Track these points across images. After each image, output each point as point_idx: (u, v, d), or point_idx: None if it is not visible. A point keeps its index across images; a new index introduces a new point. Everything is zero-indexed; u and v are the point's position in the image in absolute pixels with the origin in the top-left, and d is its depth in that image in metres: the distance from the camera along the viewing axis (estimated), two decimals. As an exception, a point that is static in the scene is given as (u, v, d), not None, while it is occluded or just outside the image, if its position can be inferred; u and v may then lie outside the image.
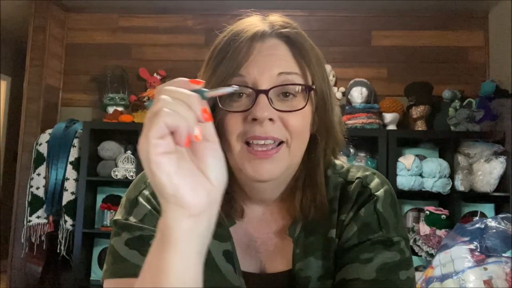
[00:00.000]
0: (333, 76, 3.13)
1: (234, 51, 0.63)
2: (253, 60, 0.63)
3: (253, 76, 0.62)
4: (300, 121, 0.64)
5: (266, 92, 0.62)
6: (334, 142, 0.70)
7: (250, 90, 0.62)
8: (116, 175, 2.82)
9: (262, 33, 0.65)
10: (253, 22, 0.67)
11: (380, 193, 0.69)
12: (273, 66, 0.63)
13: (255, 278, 0.71)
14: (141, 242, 0.65)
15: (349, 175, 0.73)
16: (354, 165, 0.76)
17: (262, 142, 0.62)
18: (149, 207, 0.68)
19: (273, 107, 0.62)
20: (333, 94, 0.70)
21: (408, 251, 0.66)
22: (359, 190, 0.70)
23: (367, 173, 0.72)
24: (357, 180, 0.71)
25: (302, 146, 0.66)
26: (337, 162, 0.75)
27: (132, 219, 0.67)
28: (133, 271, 0.62)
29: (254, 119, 0.61)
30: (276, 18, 0.68)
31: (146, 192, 0.70)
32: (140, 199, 0.69)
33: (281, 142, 0.63)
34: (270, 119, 0.61)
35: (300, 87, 0.64)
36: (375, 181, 0.71)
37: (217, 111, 0.64)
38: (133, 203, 0.69)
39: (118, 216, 0.69)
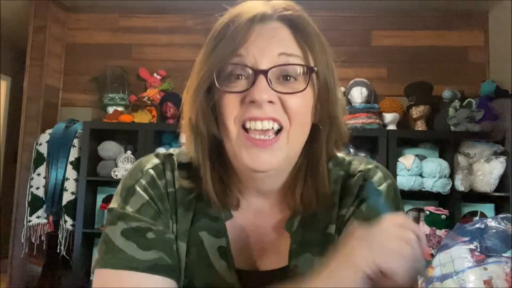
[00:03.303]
0: (333, 76, 3.13)
1: (232, 32, 0.61)
2: (253, 40, 0.61)
3: (252, 56, 0.60)
4: (300, 103, 0.62)
5: (265, 72, 0.59)
6: (337, 133, 0.68)
7: (249, 71, 0.60)
8: (116, 175, 2.82)
9: (263, 15, 0.62)
10: (255, 5, 0.64)
11: (382, 187, 0.67)
12: (273, 46, 0.61)
13: (249, 275, 0.69)
14: (138, 234, 0.63)
15: (351, 168, 0.71)
16: (356, 157, 0.74)
17: (260, 126, 0.60)
18: (147, 197, 0.66)
19: (272, 89, 0.60)
20: (338, 85, 0.68)
21: None
22: (361, 184, 0.68)
23: (370, 166, 0.71)
24: (359, 174, 0.70)
25: (302, 133, 0.64)
26: (339, 154, 0.73)
27: (128, 209, 0.65)
28: (129, 264, 0.61)
29: (252, 102, 0.59)
30: (280, 1, 0.66)
31: (143, 181, 0.67)
32: (137, 188, 0.66)
33: (279, 130, 0.61)
34: (270, 102, 0.60)
35: (301, 69, 0.62)
36: (378, 175, 0.69)
37: (213, 91, 0.62)
38: (130, 192, 0.66)
39: (114, 204, 0.67)
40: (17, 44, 4.29)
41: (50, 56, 3.21)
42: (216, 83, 0.61)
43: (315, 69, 0.63)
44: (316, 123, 0.66)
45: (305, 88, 0.61)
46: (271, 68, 0.60)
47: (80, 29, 3.37)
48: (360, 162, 0.72)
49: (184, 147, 0.69)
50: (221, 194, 0.67)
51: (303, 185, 0.67)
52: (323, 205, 0.67)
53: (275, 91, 0.60)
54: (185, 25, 3.30)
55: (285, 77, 0.61)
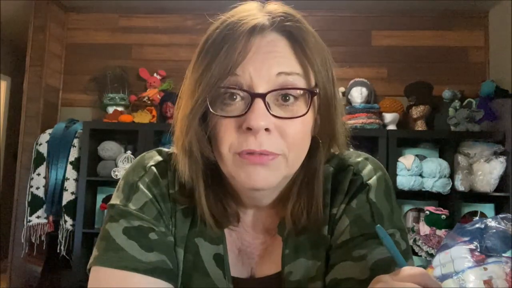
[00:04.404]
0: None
1: (228, 47, 0.56)
2: (250, 58, 0.56)
3: (248, 76, 0.56)
4: (300, 129, 0.58)
5: (263, 96, 0.55)
6: (335, 146, 0.65)
7: (245, 93, 0.56)
8: (116, 175, 2.82)
9: (261, 27, 0.57)
10: (251, 12, 0.59)
11: (372, 181, 0.64)
12: (271, 64, 0.56)
13: (244, 284, 0.67)
14: (140, 234, 0.61)
15: (340, 163, 0.68)
16: (345, 151, 0.69)
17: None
18: (150, 196, 0.64)
19: (271, 114, 0.55)
20: (337, 93, 0.64)
21: (404, 242, 0.62)
22: (351, 179, 0.65)
23: (359, 159, 0.68)
24: (348, 168, 0.67)
25: (301, 155, 0.61)
26: None
27: (131, 206, 0.63)
28: (130, 264, 0.59)
29: (249, 128, 0.55)
30: (277, 7, 0.60)
31: (147, 179, 0.66)
32: (141, 185, 0.65)
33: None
34: (266, 129, 0.55)
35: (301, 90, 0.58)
36: (368, 168, 0.66)
37: (209, 116, 0.59)
38: (133, 189, 0.64)
39: (116, 200, 0.64)
40: (17, 44, 4.29)
41: (50, 56, 3.21)
42: (210, 107, 0.57)
43: (316, 91, 0.59)
44: (316, 136, 0.62)
45: (306, 113, 0.58)
46: (269, 92, 0.56)
47: (80, 29, 3.37)
48: (349, 156, 0.68)
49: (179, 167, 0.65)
50: (219, 214, 0.64)
51: (295, 200, 0.64)
52: (316, 221, 0.64)
53: (274, 115, 0.56)
54: (185, 25, 3.30)
55: (285, 98, 0.57)
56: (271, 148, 0.56)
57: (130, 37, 3.34)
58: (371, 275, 0.56)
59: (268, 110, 0.55)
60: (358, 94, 2.95)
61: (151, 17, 3.33)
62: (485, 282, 1.77)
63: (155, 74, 3.19)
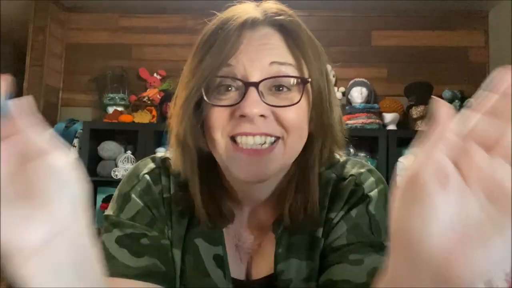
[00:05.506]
0: (333, 76, 3.12)
1: (222, 39, 0.58)
2: (243, 49, 0.57)
3: (242, 66, 0.57)
4: (295, 115, 0.58)
5: (256, 84, 0.56)
6: (332, 142, 0.65)
7: (239, 83, 0.57)
8: (116, 175, 2.82)
9: (253, 20, 0.59)
10: (245, 9, 0.61)
11: (373, 193, 0.65)
12: (264, 55, 0.58)
13: (242, 285, 0.68)
14: (132, 241, 0.62)
15: (343, 171, 0.68)
16: (351, 159, 0.70)
17: (251, 142, 0.57)
18: (142, 204, 0.65)
19: (264, 102, 0.56)
20: (333, 91, 0.65)
21: None
22: (352, 189, 0.65)
23: (362, 170, 0.67)
24: (350, 178, 0.67)
25: (299, 142, 0.61)
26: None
27: (123, 216, 0.65)
28: (120, 271, 0.60)
29: (243, 116, 0.56)
30: (271, 5, 0.63)
31: (139, 188, 0.67)
32: (133, 195, 0.66)
33: (277, 138, 0.58)
34: (263, 116, 0.56)
35: (294, 80, 0.58)
36: (370, 180, 0.66)
37: (202, 104, 0.60)
38: (126, 199, 0.66)
39: (110, 211, 0.67)
40: (17, 44, 4.28)
41: (50, 56, 3.20)
42: (205, 96, 0.58)
43: (309, 80, 0.59)
44: (311, 132, 0.63)
45: (299, 101, 0.58)
46: (262, 80, 0.56)
47: (80, 29, 3.37)
48: (353, 166, 0.69)
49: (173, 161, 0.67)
50: (214, 211, 0.65)
51: (293, 197, 0.64)
52: (312, 218, 0.64)
53: (267, 104, 0.56)
54: (185, 25, 3.29)
55: (278, 88, 0.58)
56: (268, 130, 0.57)
57: (130, 37, 3.33)
58: (367, 280, 0.56)
59: (262, 98, 0.56)
60: (358, 94, 2.95)
61: (151, 17, 3.33)
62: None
63: (155, 74, 3.19)
